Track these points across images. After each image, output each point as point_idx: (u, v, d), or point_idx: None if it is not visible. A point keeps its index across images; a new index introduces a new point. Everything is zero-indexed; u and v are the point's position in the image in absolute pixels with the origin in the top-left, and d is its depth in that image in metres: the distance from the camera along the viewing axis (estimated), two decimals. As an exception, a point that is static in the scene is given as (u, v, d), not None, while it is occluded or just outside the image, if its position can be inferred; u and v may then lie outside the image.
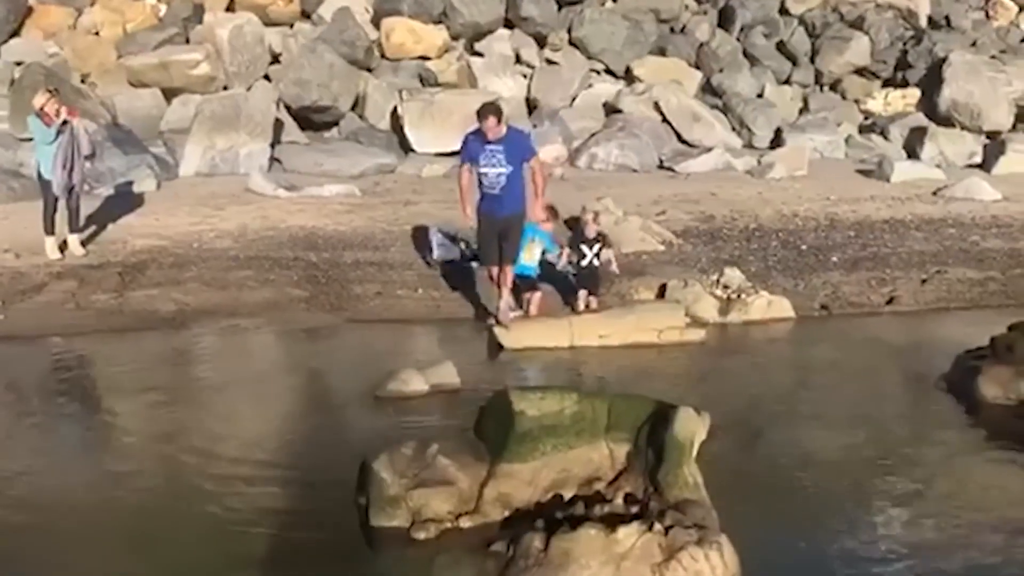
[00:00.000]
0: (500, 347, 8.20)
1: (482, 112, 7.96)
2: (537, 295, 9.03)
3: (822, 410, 6.77)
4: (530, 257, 8.89)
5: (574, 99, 17.64)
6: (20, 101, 13.67)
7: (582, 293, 8.98)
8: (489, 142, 7.93)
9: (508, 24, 18.65)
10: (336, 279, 9.88)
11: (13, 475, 5.47)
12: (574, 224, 11.70)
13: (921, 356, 8.39)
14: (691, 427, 4.71)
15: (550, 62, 18.27)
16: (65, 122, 9.77)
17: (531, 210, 8.36)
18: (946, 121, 17.60)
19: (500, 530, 4.65)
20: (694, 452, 4.71)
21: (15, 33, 16.95)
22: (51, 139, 9.73)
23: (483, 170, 8.04)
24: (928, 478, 5.65)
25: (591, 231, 9.00)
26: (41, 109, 9.79)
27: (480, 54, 18.22)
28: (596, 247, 8.96)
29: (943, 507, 5.25)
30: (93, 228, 10.98)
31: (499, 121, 7.88)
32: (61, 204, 10.05)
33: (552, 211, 9.16)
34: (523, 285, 8.98)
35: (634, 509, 4.51)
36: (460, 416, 6.25)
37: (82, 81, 16.03)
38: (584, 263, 8.98)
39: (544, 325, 8.49)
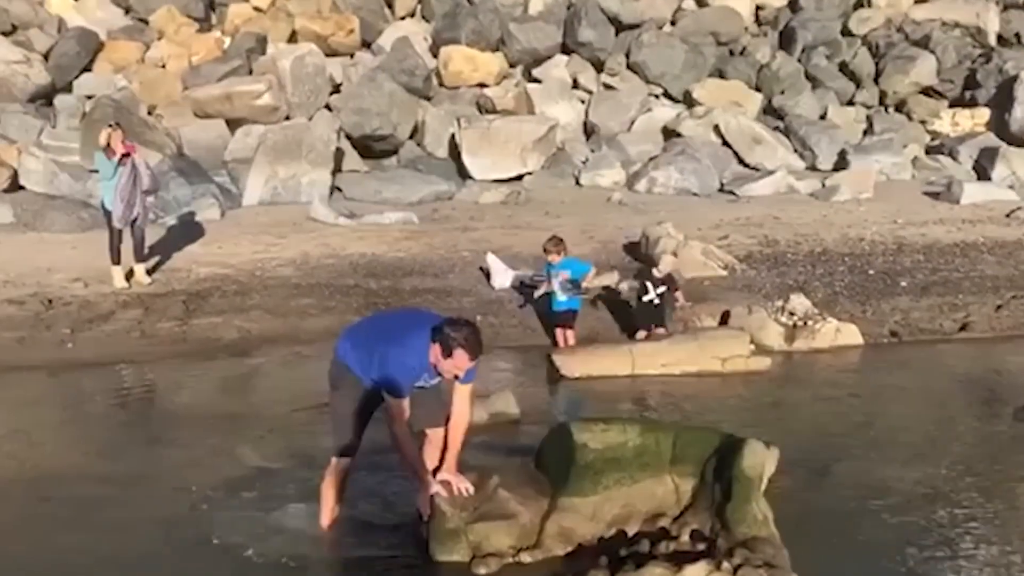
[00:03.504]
0: (560, 376, 8.09)
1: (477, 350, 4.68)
2: (570, 333, 8.82)
3: (895, 442, 6.52)
4: (553, 289, 8.72)
5: (632, 123, 17.59)
6: (90, 134, 14.04)
7: (640, 333, 8.79)
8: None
9: (565, 50, 18.69)
10: (395, 306, 9.89)
11: (82, 501, 5.52)
12: (632, 248, 11.63)
13: (997, 385, 8.10)
14: (760, 460, 4.55)
15: (608, 87, 18.25)
16: (127, 154, 9.99)
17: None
18: (1018, 141, 17.13)
19: (562, 566, 4.54)
20: (763, 487, 4.54)
21: (87, 68, 17.48)
22: (111, 174, 9.96)
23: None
24: (1008, 513, 5.40)
25: (662, 270, 8.77)
26: (108, 146, 10.04)
27: (538, 80, 18.28)
28: (661, 288, 8.76)
29: (1027, 546, 5.00)
30: (158, 257, 11.19)
31: None
32: (126, 235, 10.26)
33: (559, 241, 8.84)
34: (559, 321, 8.82)
35: (701, 547, 4.37)
36: (520, 447, 6.15)
37: (149, 113, 16.45)
38: (645, 299, 8.80)
39: (605, 353, 8.37)
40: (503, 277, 10.36)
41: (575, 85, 18.38)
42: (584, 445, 4.83)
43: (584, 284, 8.83)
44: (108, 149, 10.01)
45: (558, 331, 8.89)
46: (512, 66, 18.38)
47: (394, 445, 4.75)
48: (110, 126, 10.44)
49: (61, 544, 5.01)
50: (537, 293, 9.11)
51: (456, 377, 4.74)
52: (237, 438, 6.59)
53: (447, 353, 4.57)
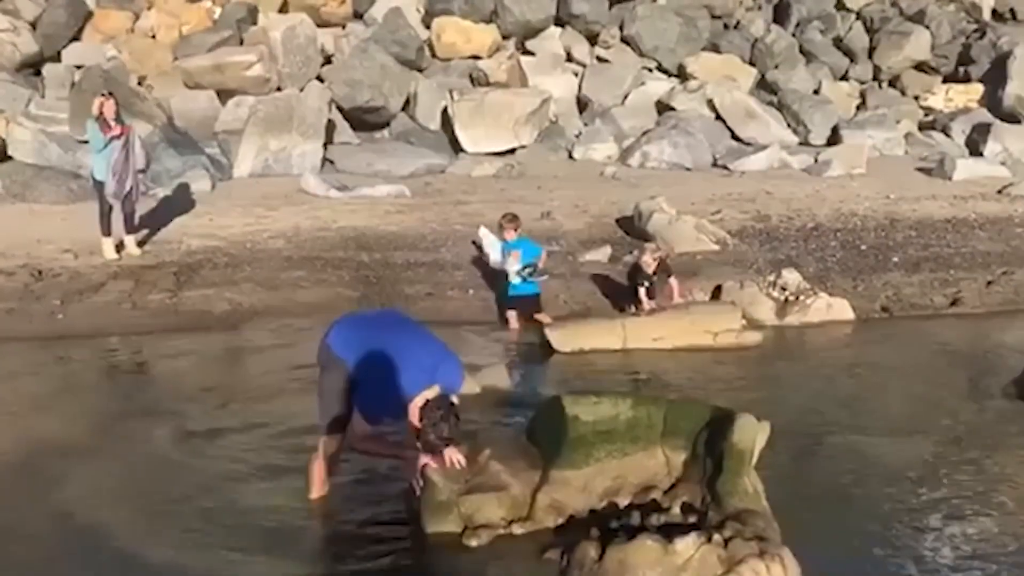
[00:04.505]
0: (551, 349, 8.09)
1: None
2: (540, 316, 8.73)
3: (885, 417, 6.55)
4: (514, 275, 8.68)
5: (626, 97, 17.50)
6: (80, 104, 13.92)
7: (646, 304, 8.77)
8: None
9: (559, 22, 18.57)
10: (387, 279, 9.88)
11: (70, 472, 5.51)
12: (625, 223, 11.62)
13: (987, 360, 8.12)
14: (751, 434, 4.55)
15: (601, 60, 18.15)
16: (120, 131, 9.93)
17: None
18: (1011, 117, 17.14)
19: (554, 538, 4.55)
20: (754, 460, 4.56)
21: (76, 37, 17.29)
22: (102, 145, 9.90)
23: None
24: (998, 488, 5.43)
25: (650, 266, 8.65)
26: (100, 114, 9.96)
27: (531, 53, 18.17)
28: (655, 277, 8.70)
29: (1014, 518, 5.03)
30: (149, 229, 11.13)
31: None
32: (116, 206, 10.20)
33: (513, 218, 8.82)
34: (523, 307, 8.76)
35: (692, 519, 4.38)
36: (512, 420, 6.17)
37: (139, 83, 16.30)
38: (641, 291, 8.76)
39: (596, 327, 8.37)
40: (496, 251, 10.32)
41: (568, 58, 18.27)
42: (576, 418, 4.83)
43: (540, 266, 8.78)
44: (101, 118, 9.94)
45: (511, 314, 8.76)
46: (505, 38, 18.23)
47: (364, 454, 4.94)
48: (103, 95, 10.35)
49: (44, 513, 5.01)
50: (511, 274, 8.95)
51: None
52: (227, 410, 6.58)
53: (418, 437, 4.61)
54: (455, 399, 4.76)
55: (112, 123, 10.00)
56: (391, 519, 4.92)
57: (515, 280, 8.72)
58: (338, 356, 4.84)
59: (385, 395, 4.69)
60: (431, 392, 4.64)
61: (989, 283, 10.01)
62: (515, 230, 8.75)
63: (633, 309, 8.74)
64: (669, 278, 8.75)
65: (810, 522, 4.67)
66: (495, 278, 9.82)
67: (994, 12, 19.77)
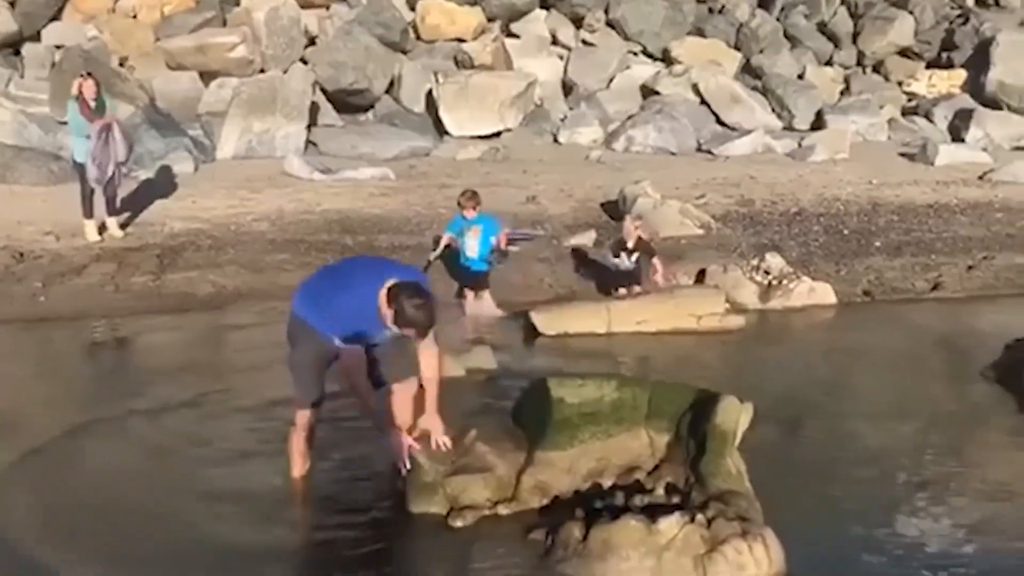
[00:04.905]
0: (536, 332, 8.11)
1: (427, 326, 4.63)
2: (486, 294, 8.74)
3: (867, 399, 6.63)
4: (472, 249, 8.69)
5: (611, 81, 17.48)
6: (60, 84, 13.77)
7: (622, 291, 8.79)
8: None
9: (544, 5, 18.53)
10: (371, 262, 9.85)
11: (52, 453, 5.50)
12: (610, 207, 11.64)
13: (968, 344, 8.20)
14: (734, 416, 4.60)
15: (587, 43, 18.12)
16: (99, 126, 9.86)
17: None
18: (993, 103, 17.25)
19: (538, 519, 4.59)
20: (737, 442, 4.60)
21: (55, 17, 17.08)
22: (84, 130, 9.82)
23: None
24: (977, 470, 5.51)
25: (631, 235, 8.69)
26: (80, 95, 9.87)
27: (516, 35, 18.11)
28: (635, 256, 8.72)
29: (994, 499, 5.10)
30: (131, 211, 11.04)
31: None
32: (98, 190, 10.12)
33: (473, 195, 8.81)
34: (472, 282, 8.76)
35: (675, 500, 4.43)
36: (497, 401, 6.19)
37: (120, 64, 16.13)
38: (622, 268, 8.78)
39: (580, 311, 8.39)
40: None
41: (554, 41, 18.22)
42: (561, 400, 4.87)
43: (500, 245, 8.77)
44: (81, 98, 9.85)
45: (469, 294, 8.79)
46: (490, 20, 18.15)
47: (356, 396, 4.80)
48: (82, 75, 10.25)
49: (26, 497, 5.00)
50: (434, 254, 8.93)
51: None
52: (209, 392, 6.57)
53: (397, 321, 4.54)
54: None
55: (91, 103, 9.92)
56: (376, 499, 4.94)
57: (472, 255, 8.74)
58: (302, 317, 4.85)
59: (355, 312, 4.61)
60: (391, 282, 4.57)
61: (970, 268, 10.10)
62: (474, 208, 8.75)
63: (616, 291, 8.76)
64: (652, 259, 8.77)
65: (792, 503, 4.72)
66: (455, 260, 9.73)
67: (977, -2, 19.88)
